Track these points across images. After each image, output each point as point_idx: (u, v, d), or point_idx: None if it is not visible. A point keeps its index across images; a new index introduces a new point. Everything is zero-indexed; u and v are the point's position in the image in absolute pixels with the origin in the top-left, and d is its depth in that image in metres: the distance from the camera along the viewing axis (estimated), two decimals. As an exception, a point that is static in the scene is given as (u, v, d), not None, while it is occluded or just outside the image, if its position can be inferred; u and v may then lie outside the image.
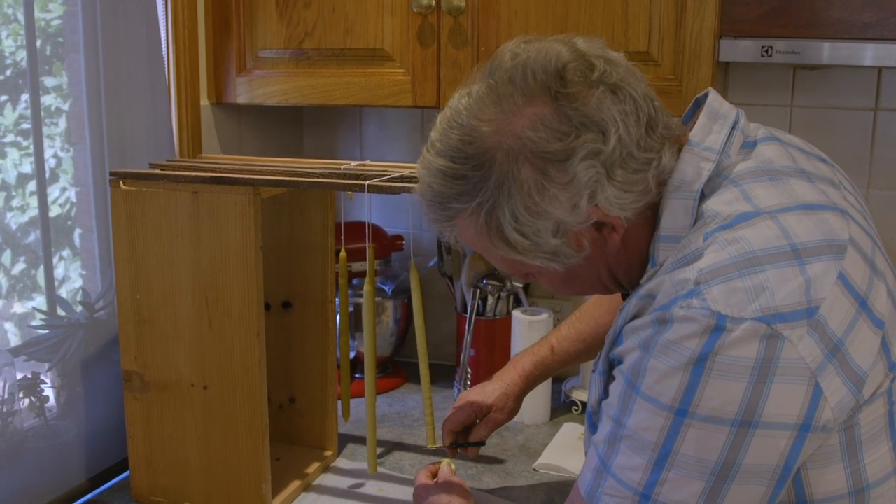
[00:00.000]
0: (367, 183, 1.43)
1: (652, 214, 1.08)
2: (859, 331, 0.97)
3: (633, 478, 0.99)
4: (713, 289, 0.95)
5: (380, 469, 1.75)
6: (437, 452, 1.75)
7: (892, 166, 1.97)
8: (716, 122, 1.09)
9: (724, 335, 0.93)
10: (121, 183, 1.54)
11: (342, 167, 1.57)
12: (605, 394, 1.09)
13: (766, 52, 1.69)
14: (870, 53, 1.67)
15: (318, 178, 1.51)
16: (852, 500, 1.01)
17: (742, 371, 0.93)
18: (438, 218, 1.10)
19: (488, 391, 1.63)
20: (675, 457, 0.96)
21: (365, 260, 1.64)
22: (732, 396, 0.93)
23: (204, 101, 2.02)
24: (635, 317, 1.04)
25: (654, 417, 0.97)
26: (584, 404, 2.03)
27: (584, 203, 1.02)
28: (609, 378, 1.09)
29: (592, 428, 1.15)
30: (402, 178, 1.47)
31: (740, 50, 1.72)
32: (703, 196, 1.05)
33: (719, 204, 1.03)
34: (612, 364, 1.09)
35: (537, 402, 2.01)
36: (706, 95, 1.14)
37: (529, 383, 1.64)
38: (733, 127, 1.10)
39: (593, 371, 1.17)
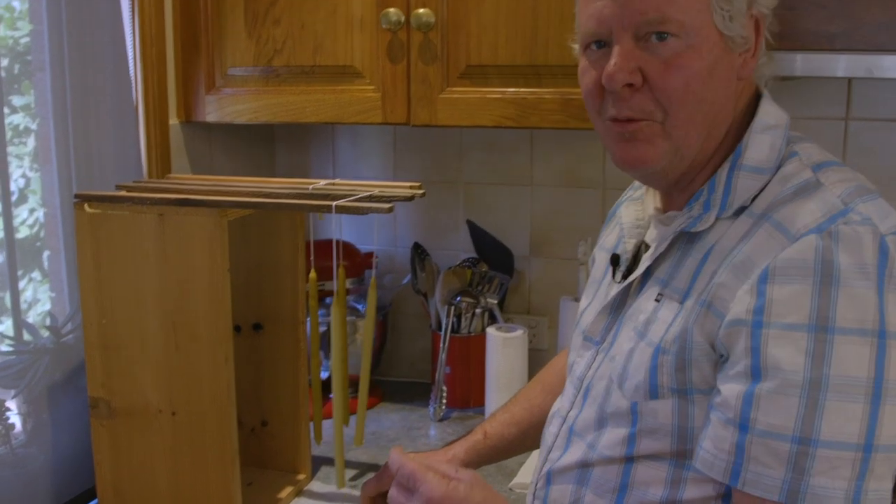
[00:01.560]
0: (334, 203, 1.41)
1: (736, 111, 1.13)
2: None
3: (852, 431, 0.94)
4: (860, 206, 1.00)
5: (355, 492, 1.73)
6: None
7: (864, 174, 1.96)
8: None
9: (885, 247, 0.97)
10: (85, 205, 1.51)
11: (310, 187, 1.55)
12: (677, 376, 1.07)
13: (736, 64, 1.68)
14: (840, 64, 1.67)
15: (285, 198, 1.49)
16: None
17: None
18: None
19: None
20: (887, 385, 0.94)
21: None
22: None
23: (173, 120, 2.00)
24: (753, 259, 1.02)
25: (860, 349, 0.94)
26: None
27: None
28: (699, 339, 1.05)
29: (654, 391, 1.09)
30: (371, 198, 1.45)
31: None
32: (789, 142, 1.12)
33: (809, 149, 1.11)
34: (708, 320, 1.04)
35: (513, 419, 1.99)
36: None
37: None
38: None
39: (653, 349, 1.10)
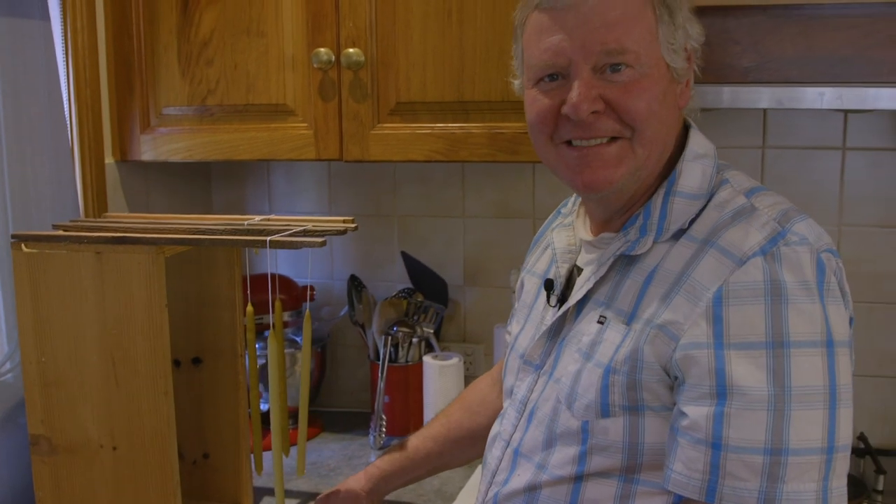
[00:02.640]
0: (268, 238, 1.45)
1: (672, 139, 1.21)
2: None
3: (816, 436, 1.00)
4: (796, 226, 1.08)
5: (295, 521, 1.76)
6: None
7: (781, 202, 2.06)
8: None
9: (822, 264, 1.05)
10: (22, 245, 1.53)
11: (246, 223, 1.58)
12: (628, 395, 1.12)
13: (655, 97, 1.75)
14: (753, 96, 1.74)
15: (221, 234, 1.52)
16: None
17: (838, 295, 1.06)
18: None
19: (348, 482, 1.60)
20: (839, 391, 1.02)
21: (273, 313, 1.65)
22: (841, 319, 1.05)
23: (109, 159, 2.02)
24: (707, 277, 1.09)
25: (814, 359, 1.02)
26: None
27: (694, 29, 1.20)
28: (650, 359, 1.10)
29: (605, 409, 1.14)
30: (305, 233, 1.49)
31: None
32: (719, 170, 1.20)
33: (737, 176, 1.19)
34: (660, 342, 1.09)
35: (451, 445, 2.03)
36: None
37: (379, 480, 1.60)
38: None
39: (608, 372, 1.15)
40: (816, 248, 1.05)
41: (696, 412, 1.05)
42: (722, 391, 1.03)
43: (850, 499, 1.74)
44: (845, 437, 1.03)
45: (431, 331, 2.18)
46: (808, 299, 1.02)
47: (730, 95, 1.76)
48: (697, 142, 1.20)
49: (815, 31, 1.75)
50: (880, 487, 1.85)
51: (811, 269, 1.03)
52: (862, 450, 2.00)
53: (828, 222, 2.04)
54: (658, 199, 1.17)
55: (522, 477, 1.23)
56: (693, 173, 1.17)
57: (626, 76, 1.13)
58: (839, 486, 1.02)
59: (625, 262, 1.19)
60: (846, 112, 2.00)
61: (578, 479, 1.16)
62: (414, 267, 2.27)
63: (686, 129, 1.24)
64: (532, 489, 1.21)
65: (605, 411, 1.14)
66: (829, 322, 1.02)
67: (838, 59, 1.72)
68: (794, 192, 2.03)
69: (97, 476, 1.55)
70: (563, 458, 1.18)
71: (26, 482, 1.65)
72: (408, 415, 2.18)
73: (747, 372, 1.02)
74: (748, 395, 1.01)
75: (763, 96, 1.75)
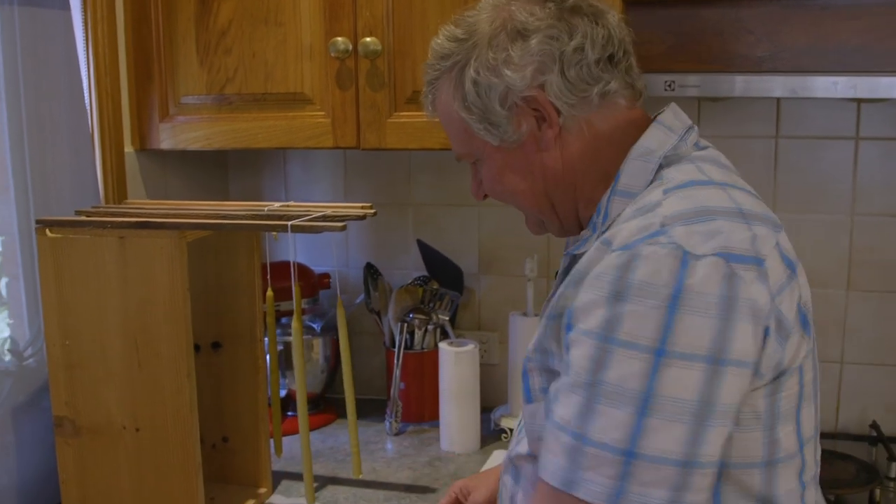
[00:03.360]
0: (290, 223, 1.47)
1: (594, 158, 1.21)
2: (790, 293, 1.05)
3: (617, 436, 0.99)
4: (676, 228, 1.02)
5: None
6: (360, 483, 1.79)
7: (793, 190, 2.07)
8: (677, 118, 1.23)
9: (689, 270, 0.99)
10: (47, 231, 1.56)
11: (266, 208, 1.61)
12: (545, 377, 1.14)
13: (669, 86, 1.77)
14: (767, 85, 1.76)
15: (242, 220, 1.54)
16: (763, 470, 1.06)
17: (710, 307, 0.98)
18: (428, 77, 1.28)
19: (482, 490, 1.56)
20: (655, 401, 0.98)
21: (292, 299, 1.67)
22: (703, 332, 0.98)
23: (128, 148, 2.04)
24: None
25: (633, 363, 0.99)
26: (512, 431, 2.07)
27: (529, 72, 1.17)
28: (554, 348, 1.11)
29: (528, 395, 1.18)
30: (325, 218, 1.51)
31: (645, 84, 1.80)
32: (662, 166, 1.17)
33: (676, 172, 1.15)
34: (558, 329, 1.11)
35: (467, 431, 2.05)
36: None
37: None
38: (690, 127, 1.23)
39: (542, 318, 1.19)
40: (696, 253, 1.00)
41: (553, 387, 1.09)
42: (565, 368, 1.06)
43: (862, 485, 1.77)
44: (655, 448, 0.99)
45: (447, 318, 2.20)
46: (649, 303, 0.99)
47: (743, 84, 1.77)
48: (650, 137, 1.20)
49: (828, 21, 1.76)
50: (892, 475, 1.87)
51: (668, 273, 0.99)
52: (874, 437, 2.02)
53: (840, 211, 2.05)
54: (605, 199, 1.19)
55: (522, 446, 1.27)
56: (633, 171, 1.18)
57: (481, 167, 1.28)
58: (643, 493, 0.99)
59: (574, 260, 1.20)
60: (859, 101, 2.01)
61: (533, 458, 1.20)
62: (429, 255, 2.29)
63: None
64: (524, 458, 1.26)
65: (527, 397, 1.18)
66: (668, 331, 0.98)
67: (852, 49, 1.74)
68: (806, 182, 2.06)
69: (120, 457, 1.58)
70: (525, 443, 1.25)
71: (50, 465, 1.68)
72: (423, 401, 2.20)
73: (578, 355, 1.03)
74: (573, 377, 1.03)
75: (776, 85, 1.76)
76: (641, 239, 1.02)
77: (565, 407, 1.03)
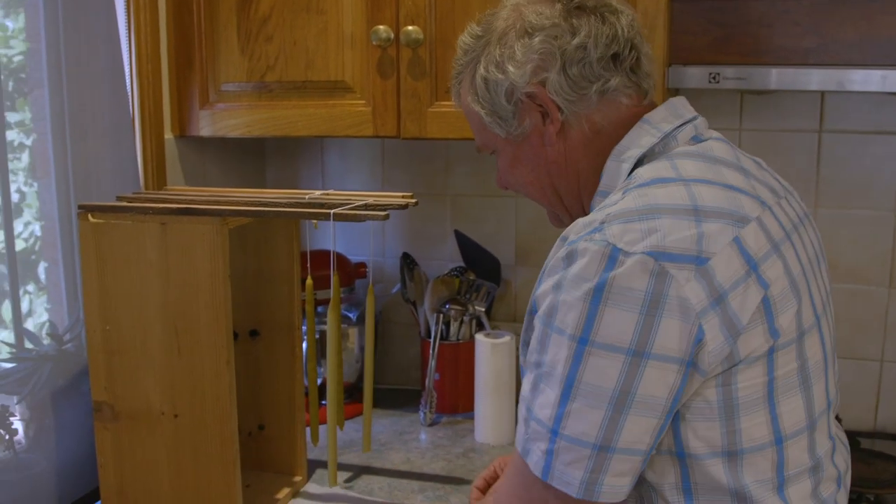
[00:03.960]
0: (332, 212, 1.47)
1: (596, 154, 1.25)
2: (745, 289, 1.06)
3: (546, 414, 1.07)
4: (613, 226, 1.06)
5: (349, 493, 1.78)
6: (395, 473, 1.78)
7: (836, 186, 2.05)
8: (672, 114, 1.25)
9: (616, 266, 1.03)
10: (89, 216, 1.56)
11: (307, 196, 1.60)
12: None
13: (714, 78, 1.75)
14: (813, 78, 1.74)
15: (283, 207, 1.54)
16: (725, 460, 1.09)
17: (634, 301, 1.03)
18: (454, 71, 1.36)
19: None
20: (578, 386, 1.05)
21: (328, 288, 1.67)
22: (626, 326, 1.03)
23: (168, 135, 2.05)
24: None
25: (561, 348, 1.06)
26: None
27: (529, 68, 1.23)
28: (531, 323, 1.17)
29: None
30: (366, 207, 1.51)
31: (688, 77, 1.78)
32: (640, 164, 1.21)
33: (647, 170, 1.17)
34: (534, 308, 1.16)
35: (502, 423, 2.05)
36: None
37: None
38: (688, 121, 1.25)
39: None
40: (625, 251, 1.04)
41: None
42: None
43: (886, 486, 1.74)
44: (577, 431, 1.06)
45: (483, 309, 2.19)
46: (575, 294, 1.05)
47: (790, 77, 1.75)
48: (628, 137, 1.24)
49: (877, 14, 1.74)
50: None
51: (595, 268, 1.04)
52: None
53: (884, 207, 2.02)
54: (595, 198, 1.26)
55: None
56: (610, 172, 1.23)
57: (498, 160, 1.35)
58: (566, 472, 1.07)
59: None
60: (907, 96, 1.98)
61: None
62: (467, 245, 2.29)
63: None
64: None
65: (523, 372, 1.21)
66: (592, 320, 1.04)
67: (901, 42, 1.72)
68: (850, 177, 2.04)
69: (158, 443, 1.59)
70: None
71: (89, 449, 1.68)
72: (458, 392, 2.20)
73: (532, 337, 1.11)
74: (528, 357, 1.12)
75: (823, 79, 1.74)
76: (582, 236, 1.08)
77: (525, 384, 1.13)
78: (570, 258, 1.07)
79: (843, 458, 1.24)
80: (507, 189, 1.39)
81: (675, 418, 1.08)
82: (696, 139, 1.24)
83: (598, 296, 1.03)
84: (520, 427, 1.13)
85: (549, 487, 1.08)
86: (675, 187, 1.12)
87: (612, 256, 1.04)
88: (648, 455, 1.08)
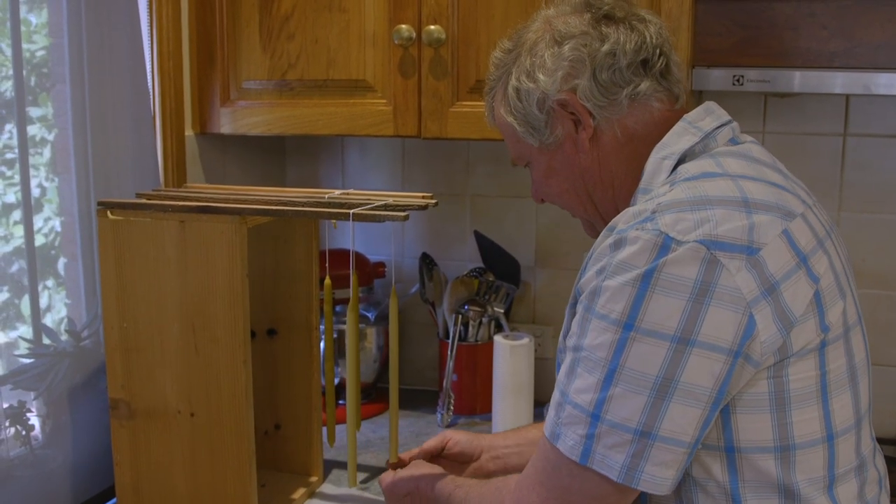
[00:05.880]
0: (351, 212, 1.46)
1: (630, 158, 1.25)
2: (797, 281, 1.06)
3: (586, 398, 1.07)
4: (665, 216, 1.07)
5: (365, 493, 1.77)
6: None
7: (860, 190, 2.02)
8: (710, 115, 1.26)
9: (668, 253, 1.03)
10: (108, 212, 1.56)
11: (326, 196, 1.60)
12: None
13: (738, 80, 1.73)
14: (838, 81, 1.72)
15: (303, 206, 1.54)
16: (777, 455, 1.08)
17: (682, 289, 1.03)
18: (487, 88, 1.38)
19: (474, 443, 1.63)
20: (621, 371, 1.05)
21: (347, 287, 1.66)
22: (672, 312, 1.03)
23: (188, 132, 2.04)
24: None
25: (604, 334, 1.06)
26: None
27: (560, 76, 1.23)
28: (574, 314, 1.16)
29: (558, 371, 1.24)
30: (386, 207, 1.50)
31: (712, 79, 1.77)
32: (683, 162, 1.20)
33: (692, 166, 1.18)
34: (577, 299, 1.16)
35: (520, 424, 2.03)
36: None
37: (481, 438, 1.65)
38: (725, 123, 1.26)
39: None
40: (678, 239, 1.04)
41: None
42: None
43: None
44: (619, 416, 1.05)
45: (502, 310, 2.18)
46: (620, 280, 1.05)
47: (815, 80, 1.73)
48: (670, 136, 1.23)
49: (905, 17, 1.71)
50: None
51: (646, 256, 1.04)
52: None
53: (910, 211, 2.01)
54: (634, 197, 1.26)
55: None
56: (651, 169, 1.22)
57: (532, 172, 1.36)
58: (605, 455, 1.06)
59: None
60: (934, 100, 1.96)
61: None
62: (486, 246, 2.27)
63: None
64: None
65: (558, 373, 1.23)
66: (638, 307, 1.04)
67: (929, 46, 1.69)
68: (874, 181, 2.01)
69: (174, 441, 1.58)
70: None
71: (105, 446, 1.68)
72: (476, 393, 2.19)
73: (574, 321, 1.12)
74: (570, 341, 1.12)
75: (848, 82, 1.72)
76: (632, 224, 1.08)
77: (561, 368, 1.14)
78: (617, 245, 1.07)
79: (882, 461, 1.24)
80: (543, 202, 1.39)
81: (724, 411, 1.07)
82: (734, 141, 1.24)
83: (646, 282, 1.03)
84: (550, 412, 1.12)
85: (579, 473, 1.08)
86: (723, 181, 1.12)
87: (665, 245, 1.04)
88: (693, 449, 1.06)
